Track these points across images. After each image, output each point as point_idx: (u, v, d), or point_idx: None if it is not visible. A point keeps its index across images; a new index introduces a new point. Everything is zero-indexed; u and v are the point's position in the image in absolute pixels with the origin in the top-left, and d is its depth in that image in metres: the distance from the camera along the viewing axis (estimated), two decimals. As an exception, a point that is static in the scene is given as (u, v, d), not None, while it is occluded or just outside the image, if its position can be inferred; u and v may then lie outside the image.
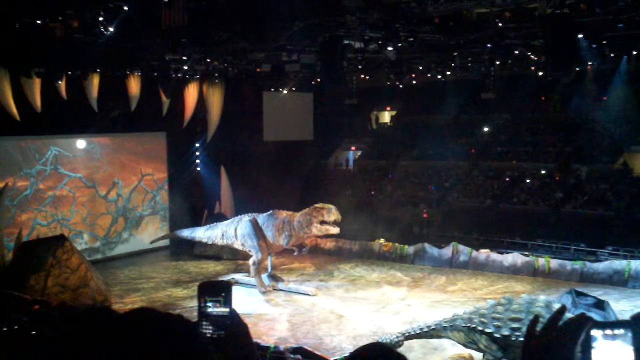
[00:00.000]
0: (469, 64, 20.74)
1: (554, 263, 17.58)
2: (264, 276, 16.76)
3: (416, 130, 27.64)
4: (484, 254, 18.71)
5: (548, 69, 17.20)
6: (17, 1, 12.48)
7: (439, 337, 10.89)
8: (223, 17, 13.27)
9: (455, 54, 18.56)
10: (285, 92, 24.85)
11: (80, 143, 20.38)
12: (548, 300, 10.04)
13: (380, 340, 11.16)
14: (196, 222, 21.91)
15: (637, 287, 16.22)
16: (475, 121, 27.45)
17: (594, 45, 16.50)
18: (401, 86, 25.15)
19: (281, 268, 18.82)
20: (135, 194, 22.11)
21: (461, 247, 19.05)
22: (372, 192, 26.48)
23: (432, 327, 10.73)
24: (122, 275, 18.60)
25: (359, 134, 30.97)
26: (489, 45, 16.84)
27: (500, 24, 14.09)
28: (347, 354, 9.63)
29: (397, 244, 20.10)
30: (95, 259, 19.64)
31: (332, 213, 15.13)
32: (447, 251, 19.19)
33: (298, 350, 10.07)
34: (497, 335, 9.55)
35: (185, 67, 19.53)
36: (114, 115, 20.70)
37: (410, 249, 19.82)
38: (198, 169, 24.18)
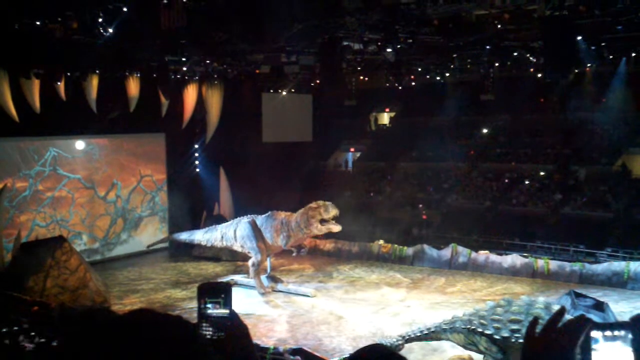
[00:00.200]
0: (468, 66, 20.78)
1: (553, 264, 17.58)
2: (263, 277, 16.76)
3: (415, 131, 27.63)
4: (483, 255, 18.71)
5: (547, 71, 17.20)
6: (17, 2, 12.48)
7: (439, 339, 10.88)
8: (222, 19, 13.28)
9: (455, 55, 18.58)
10: (284, 93, 24.86)
11: (79, 144, 20.37)
12: (547, 301, 10.04)
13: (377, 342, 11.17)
14: (195, 223, 21.91)
15: (637, 288, 16.22)
16: (474, 123, 27.47)
17: (592, 47, 16.54)
18: (400, 88, 25.17)
19: (280, 269, 18.81)
20: (134, 195, 22.10)
21: (460, 249, 19.05)
22: (371, 194, 26.48)
23: (432, 330, 10.73)
24: (121, 276, 18.58)
25: (358, 136, 30.96)
26: (488, 47, 16.87)
27: (499, 26, 14.11)
28: (346, 355, 9.65)
29: (396, 245, 20.10)
30: (94, 260, 19.63)
31: (330, 210, 15.10)
32: (446, 252, 19.20)
33: (297, 351, 10.07)
34: (496, 336, 9.55)
35: (185, 69, 19.55)
36: (113, 116, 20.67)
37: (409, 250, 19.81)
38: (197, 170, 24.18)
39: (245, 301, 15.60)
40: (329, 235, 20.15)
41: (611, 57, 19.04)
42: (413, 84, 24.41)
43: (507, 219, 22.33)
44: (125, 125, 20.96)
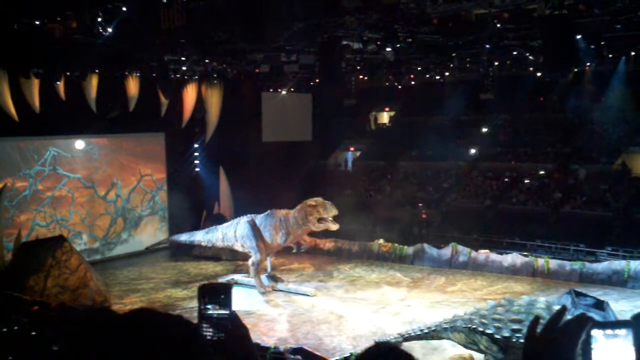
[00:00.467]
0: (468, 65, 20.79)
1: (553, 263, 17.58)
2: (264, 277, 16.76)
3: (415, 130, 27.64)
4: (483, 254, 18.72)
5: (546, 70, 17.22)
6: (16, 2, 12.47)
7: (439, 338, 10.89)
8: (222, 18, 13.27)
9: (454, 54, 18.58)
10: (284, 92, 24.85)
11: (79, 144, 20.36)
12: (549, 301, 10.05)
13: (377, 341, 11.17)
14: (195, 223, 21.91)
15: (637, 287, 16.23)
16: (474, 122, 27.47)
17: (592, 46, 16.54)
18: (400, 87, 25.23)
19: (281, 269, 18.81)
20: (134, 194, 22.10)
21: (460, 248, 19.06)
22: (371, 193, 26.48)
23: (432, 329, 10.74)
24: (122, 275, 18.59)
25: (357, 135, 30.98)
26: (487, 46, 16.87)
27: (498, 25, 14.11)
28: (347, 354, 9.65)
29: (396, 245, 20.10)
30: (94, 260, 19.64)
31: (329, 209, 15.11)
32: (447, 252, 19.20)
33: (298, 350, 10.08)
34: (497, 336, 9.55)
35: (184, 68, 19.55)
36: (112, 115, 20.67)
37: (409, 250, 19.81)
38: (197, 169, 24.17)
39: (246, 300, 15.60)
40: (329, 235, 20.16)
41: (611, 56, 19.06)
42: (413, 83, 24.43)
43: (507, 218, 22.35)
44: (125, 125, 20.94)
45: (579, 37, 14.51)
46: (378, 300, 15.58)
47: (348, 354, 9.79)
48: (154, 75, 19.12)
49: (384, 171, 27.57)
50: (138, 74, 19.99)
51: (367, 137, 30.90)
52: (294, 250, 17.10)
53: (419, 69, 21.57)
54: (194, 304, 15.14)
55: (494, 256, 18.53)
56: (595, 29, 14.28)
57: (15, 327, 8.23)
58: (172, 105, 21.73)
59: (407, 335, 10.96)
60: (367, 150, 29.85)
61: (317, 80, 22.94)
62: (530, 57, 18.34)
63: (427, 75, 23.36)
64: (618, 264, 16.86)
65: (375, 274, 18.44)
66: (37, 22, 13.19)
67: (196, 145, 24.03)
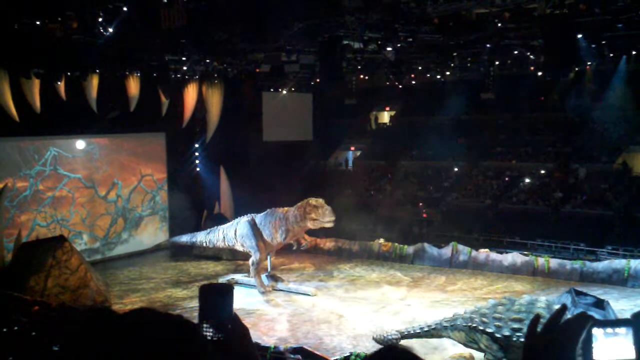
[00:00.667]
0: (469, 64, 20.78)
1: (554, 262, 17.57)
2: (264, 276, 16.77)
3: (416, 130, 27.64)
4: (483, 253, 18.71)
5: (547, 69, 17.20)
6: (17, 2, 12.48)
7: (440, 336, 10.90)
8: (222, 18, 13.28)
9: (455, 54, 18.58)
10: (284, 92, 24.85)
11: (80, 144, 20.37)
12: (549, 300, 10.06)
13: (375, 337, 11.18)
14: (196, 223, 21.92)
15: (637, 286, 16.22)
16: (474, 121, 27.46)
17: (593, 45, 16.53)
18: (400, 86, 25.20)
19: (281, 268, 18.81)
20: (134, 194, 22.10)
21: (461, 247, 19.05)
22: (372, 192, 26.49)
23: (433, 327, 10.75)
24: (122, 275, 18.59)
25: (358, 134, 30.98)
26: (488, 45, 16.87)
27: (499, 24, 14.10)
28: (347, 354, 9.65)
29: (396, 244, 20.10)
30: (94, 260, 19.64)
31: (326, 215, 15.20)
32: (447, 251, 19.19)
33: (298, 350, 10.08)
34: (498, 335, 9.56)
35: (185, 68, 19.55)
36: (113, 115, 20.67)
37: (409, 249, 19.81)
38: (197, 169, 24.18)
39: (246, 300, 15.60)
40: (330, 234, 20.19)
41: (611, 55, 19.05)
42: (413, 82, 24.41)
43: (508, 217, 22.35)
44: (125, 125, 20.94)
45: (579, 36, 14.51)
46: (378, 300, 15.59)
47: (348, 354, 9.79)
48: (154, 75, 19.12)
49: (384, 171, 27.57)
50: (139, 74, 19.99)
51: (367, 136, 30.90)
52: (294, 248, 17.10)
53: (419, 68, 21.56)
54: (194, 303, 15.20)
55: (495, 255, 18.53)
56: (596, 28, 14.29)
57: (16, 327, 8.24)
58: (173, 105, 21.73)
59: (405, 333, 10.96)
60: (368, 149, 29.85)
61: (317, 80, 22.94)
62: (531, 56, 18.34)
63: (428, 75, 23.34)
64: (618, 263, 16.86)
65: (376, 274, 18.44)
66: (38, 22, 13.19)
67: (197, 145, 24.03)
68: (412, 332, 10.94)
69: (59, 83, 18.00)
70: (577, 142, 24.34)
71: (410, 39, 15.22)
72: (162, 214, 23.07)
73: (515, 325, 9.38)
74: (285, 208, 16.29)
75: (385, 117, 32.53)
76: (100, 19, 13.08)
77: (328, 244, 20.97)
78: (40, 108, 18.13)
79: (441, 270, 18.62)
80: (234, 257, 19.78)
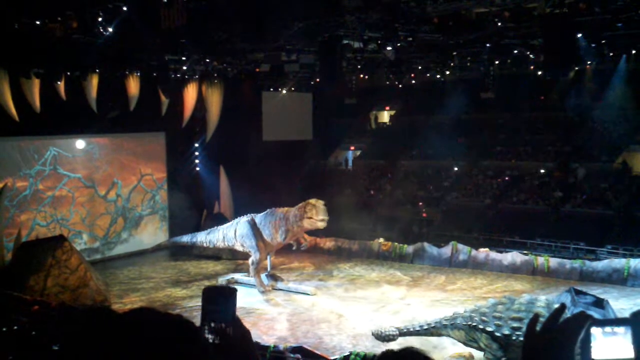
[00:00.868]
0: (468, 64, 20.78)
1: (553, 262, 17.58)
2: (263, 276, 16.77)
3: (415, 129, 27.65)
4: (483, 253, 18.71)
5: (547, 69, 17.19)
6: (17, 2, 12.47)
7: (439, 335, 10.89)
8: (222, 18, 13.27)
9: (455, 53, 18.57)
10: (284, 92, 24.85)
11: (80, 143, 20.36)
12: (549, 299, 10.06)
13: (373, 332, 11.18)
14: (195, 222, 21.92)
15: (637, 285, 16.23)
16: (474, 121, 27.46)
17: (593, 45, 16.52)
18: (400, 86, 25.21)
19: (280, 267, 18.82)
20: (134, 194, 22.10)
21: (460, 246, 19.06)
22: (372, 192, 26.48)
23: (432, 325, 10.75)
24: (122, 275, 18.59)
25: (358, 134, 30.97)
26: (488, 44, 16.86)
27: (499, 24, 14.09)
28: (346, 353, 9.65)
29: (396, 244, 20.10)
30: (94, 259, 19.64)
31: (320, 214, 15.29)
32: (447, 250, 19.20)
33: (298, 349, 10.08)
34: (498, 334, 9.57)
35: (185, 67, 19.54)
36: (113, 115, 20.67)
37: (409, 249, 19.81)
38: (197, 168, 24.18)
39: (246, 299, 15.60)
40: (329, 234, 20.19)
41: (611, 54, 19.04)
42: (413, 82, 24.41)
43: (508, 216, 22.35)
44: (125, 125, 20.95)
45: (579, 35, 14.51)
46: (378, 299, 15.59)
47: (348, 353, 9.79)
48: (154, 74, 19.11)
49: (384, 170, 27.57)
50: (138, 74, 19.98)
51: (367, 136, 30.90)
52: (294, 248, 17.10)
53: (419, 68, 21.56)
54: (194, 303, 15.20)
55: (494, 255, 18.53)
56: (596, 28, 14.29)
57: (16, 327, 8.24)
58: (173, 104, 21.72)
59: (404, 330, 10.94)
60: (368, 149, 29.85)
61: (317, 80, 22.94)
62: (531, 55, 18.32)
63: (428, 74, 23.34)
64: (618, 262, 16.86)
65: (375, 273, 18.44)
66: (38, 22, 13.19)
67: (196, 145, 24.03)
68: (411, 329, 10.93)
69: (59, 83, 18.00)
70: (577, 141, 24.35)
71: (410, 39, 15.21)
72: (162, 213, 23.07)
73: (515, 324, 9.38)
74: (285, 208, 16.30)
75: (385, 116, 32.53)
76: (100, 19, 13.07)
77: (328, 243, 20.97)
78: (40, 108, 18.13)
79: (441, 269, 18.62)
80: (233, 257, 19.78)
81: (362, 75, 23.64)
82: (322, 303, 15.35)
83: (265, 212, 16.81)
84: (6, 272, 15.42)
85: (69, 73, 18.17)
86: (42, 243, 15.60)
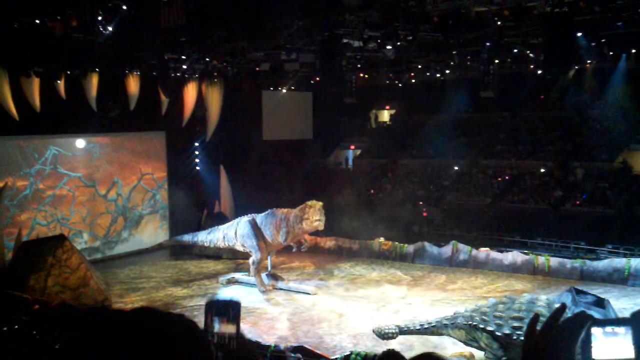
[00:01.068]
0: (468, 63, 20.75)
1: (554, 261, 17.57)
2: (264, 275, 16.77)
3: (415, 128, 27.64)
4: (483, 252, 18.71)
5: (547, 68, 17.18)
6: (16, 0, 12.46)
7: (440, 334, 10.89)
8: (222, 16, 13.26)
9: (455, 52, 18.56)
10: (284, 91, 24.83)
11: (80, 142, 20.36)
12: (549, 299, 10.06)
13: (373, 330, 11.18)
14: (196, 221, 21.91)
15: (637, 285, 16.23)
16: (474, 120, 27.45)
17: (593, 44, 16.50)
18: (400, 85, 25.18)
19: (281, 267, 18.82)
20: (135, 193, 22.09)
21: (461, 246, 19.05)
22: (372, 191, 26.48)
23: (433, 325, 10.75)
24: (122, 274, 18.59)
25: (358, 133, 30.96)
26: (488, 43, 16.83)
27: (499, 23, 14.08)
28: (347, 353, 9.65)
29: (396, 243, 20.10)
30: (95, 259, 19.64)
31: (316, 215, 15.39)
32: (447, 250, 19.19)
33: (298, 349, 10.07)
34: (498, 333, 9.56)
35: (185, 67, 19.52)
36: (113, 114, 20.65)
37: (410, 248, 19.81)
38: (197, 168, 24.17)
39: (246, 299, 15.59)
40: (330, 233, 20.19)
41: (611, 53, 19.02)
42: (413, 81, 24.39)
43: (508, 215, 22.34)
44: (125, 124, 20.94)
45: (579, 34, 14.50)
46: (379, 299, 15.59)
47: (349, 352, 9.79)
48: (154, 73, 19.10)
49: (384, 169, 27.56)
50: (138, 73, 19.97)
51: (367, 135, 30.89)
52: (294, 250, 17.10)
53: (419, 67, 21.54)
54: (194, 302, 15.22)
55: (495, 254, 18.53)
56: (596, 26, 14.28)
57: (16, 326, 8.24)
58: (173, 103, 21.70)
59: (405, 329, 10.94)
60: (368, 148, 29.84)
61: (317, 79, 22.92)
62: (531, 54, 18.31)
63: (428, 73, 23.31)
64: (619, 262, 16.86)
65: (376, 272, 18.44)
66: (38, 21, 13.17)
67: (197, 144, 24.01)
68: (411, 328, 10.92)
69: (59, 82, 17.99)
70: (577, 140, 24.34)
71: (410, 38, 15.20)
72: (163, 212, 23.08)
73: (516, 324, 9.38)
74: (286, 209, 16.31)
75: (385, 115, 32.52)
76: (99, 18, 13.05)
77: (328, 242, 20.97)
78: (40, 107, 18.11)
79: (441, 269, 18.62)
80: (234, 256, 19.77)
81: (362, 74, 23.62)
82: (323, 302, 15.35)
83: (266, 212, 16.80)
84: (7, 272, 15.42)
85: (68, 72, 18.16)
86: (43, 242, 15.59)
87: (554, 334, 1.42)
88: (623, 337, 1.44)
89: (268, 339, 11.95)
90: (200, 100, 22.58)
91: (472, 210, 22.99)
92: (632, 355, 1.42)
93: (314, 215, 15.35)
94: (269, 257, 17.09)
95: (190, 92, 22.12)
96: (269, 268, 17.17)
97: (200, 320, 1.66)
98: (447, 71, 22.60)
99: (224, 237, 17.66)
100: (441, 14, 13.69)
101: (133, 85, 20.12)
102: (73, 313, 10.32)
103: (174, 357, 1.27)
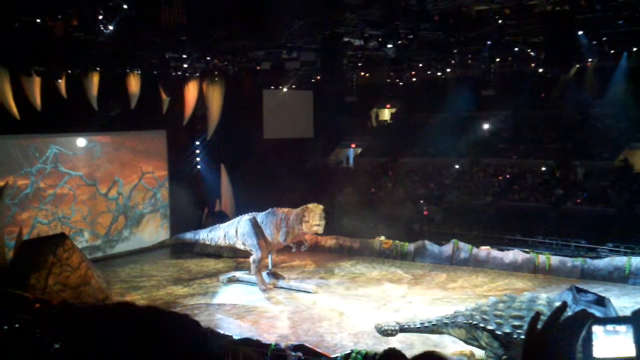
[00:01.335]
0: (469, 61, 20.73)
1: (555, 260, 17.57)
2: (265, 274, 16.78)
3: (416, 127, 27.62)
4: (484, 251, 18.71)
5: (548, 66, 17.17)
6: (17, 0, 12.47)
7: (440, 333, 10.90)
8: (223, 15, 13.26)
9: (455, 51, 18.55)
10: (285, 89, 24.82)
11: (81, 141, 20.37)
12: (550, 297, 10.05)
13: (375, 326, 11.19)
14: (197, 220, 21.92)
15: (638, 283, 16.22)
16: (475, 118, 27.43)
17: (594, 42, 16.49)
18: (401, 83, 25.16)
19: (282, 266, 18.83)
20: (135, 192, 22.10)
21: (462, 244, 19.05)
22: (373, 190, 26.46)
23: (433, 323, 10.75)
24: (123, 273, 18.61)
25: (359, 132, 30.93)
26: (489, 42, 16.82)
27: (500, 21, 14.08)
28: (348, 351, 9.66)
29: (397, 242, 20.10)
30: (96, 257, 19.66)
31: (316, 219, 15.45)
32: (448, 248, 19.19)
33: (299, 347, 10.08)
34: (498, 332, 9.56)
35: (185, 65, 19.53)
36: (114, 113, 20.66)
37: (410, 247, 19.81)
38: (198, 166, 24.18)
39: (247, 298, 15.63)
40: (331, 232, 20.18)
41: (612, 51, 19.00)
42: (414, 79, 24.38)
43: (509, 214, 22.31)
44: (126, 123, 20.95)
45: (580, 32, 14.49)
46: (379, 297, 15.60)
47: (349, 351, 9.80)
48: (155, 72, 19.10)
49: (385, 168, 27.55)
50: (139, 72, 19.97)
51: (368, 133, 30.86)
52: (294, 250, 17.10)
53: (420, 65, 21.53)
54: (195, 301, 15.24)
55: (495, 253, 18.53)
56: (597, 25, 14.27)
57: (17, 325, 8.25)
58: (174, 102, 21.71)
59: (405, 326, 10.95)
60: (369, 147, 29.83)
61: (318, 77, 22.91)
62: (532, 53, 18.30)
63: (429, 72, 23.30)
64: (619, 260, 16.86)
65: (377, 271, 18.45)
66: (38, 20, 13.18)
67: (197, 143, 24.03)
68: (412, 326, 10.93)
69: (60, 81, 18.00)
70: (578, 139, 24.31)
71: (411, 36, 15.19)
72: (163, 211, 23.09)
73: (516, 323, 9.38)
74: (287, 209, 16.33)
75: (386, 114, 32.49)
76: (100, 17, 13.06)
77: (329, 241, 20.97)
78: (41, 106, 18.12)
79: (442, 267, 18.62)
80: (235, 255, 19.79)
81: (363, 73, 23.61)
82: (324, 301, 15.36)
83: (267, 211, 16.82)
84: (7, 271, 15.44)
85: (69, 71, 18.16)
86: (44, 241, 15.61)
87: (554, 332, 1.42)
88: (624, 336, 1.43)
89: (269, 338, 11.96)
90: (201, 99, 22.60)
91: (472, 209, 22.97)
92: (633, 354, 1.42)
93: (314, 219, 15.41)
94: (269, 256, 17.10)
95: (191, 91, 22.13)
96: (270, 267, 17.18)
97: (201, 319, 1.65)
98: (448, 70, 22.58)
99: (224, 236, 17.68)
100: (442, 13, 13.70)
101: (134, 84, 20.12)
102: (74, 312, 10.33)
103: (175, 357, 1.27)
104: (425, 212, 23.60)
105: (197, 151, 24.13)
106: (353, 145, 30.81)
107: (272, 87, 24.78)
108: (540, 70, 20.77)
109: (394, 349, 1.65)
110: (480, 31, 15.11)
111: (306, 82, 24.70)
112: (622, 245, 18.43)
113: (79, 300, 13.93)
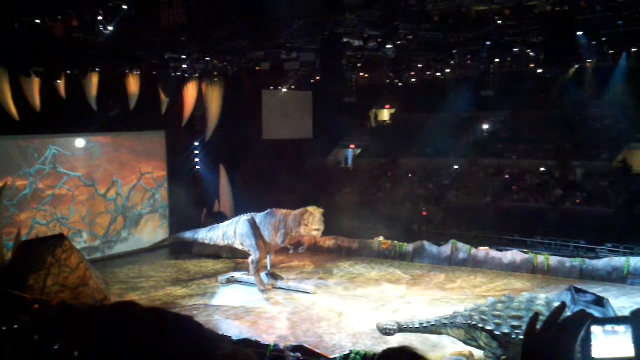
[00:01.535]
0: (469, 62, 20.73)
1: (554, 260, 17.58)
2: (263, 275, 16.78)
3: (416, 128, 27.62)
4: (483, 251, 18.72)
5: (547, 67, 17.16)
6: (17, 0, 12.46)
7: (439, 333, 10.90)
8: (222, 16, 13.26)
9: (455, 51, 18.54)
10: (284, 90, 24.83)
11: (80, 142, 20.36)
12: (548, 298, 10.05)
13: (377, 325, 11.20)
14: (196, 220, 21.91)
15: (637, 284, 16.23)
16: (474, 119, 27.44)
17: (593, 43, 16.49)
18: (401, 84, 25.18)
19: (281, 266, 18.82)
20: (134, 192, 22.09)
21: (460, 245, 19.06)
22: (372, 190, 26.46)
23: (432, 323, 10.75)
24: (122, 274, 18.60)
25: (358, 132, 30.93)
26: (488, 42, 16.83)
27: (499, 22, 14.08)
28: (346, 352, 9.66)
29: (396, 242, 20.10)
30: (94, 258, 19.64)
31: (315, 223, 15.48)
32: (447, 249, 19.20)
33: (298, 348, 10.09)
34: (497, 332, 9.57)
35: (185, 66, 19.52)
36: (113, 114, 20.66)
37: (409, 247, 19.81)
38: (197, 167, 24.17)
39: (246, 298, 15.62)
40: (330, 232, 20.17)
41: (612, 52, 19.01)
42: (413, 80, 24.38)
43: (507, 214, 22.32)
44: (125, 123, 20.94)
45: (580, 33, 14.49)
46: (378, 298, 15.60)
47: (348, 352, 9.80)
48: (154, 73, 19.09)
49: (384, 168, 27.55)
50: (138, 72, 19.97)
51: (367, 134, 30.86)
52: (291, 252, 17.05)
53: (419, 66, 21.53)
54: (194, 302, 15.24)
55: (494, 253, 18.54)
56: (597, 25, 14.27)
57: (16, 326, 8.24)
58: (173, 103, 21.71)
59: (404, 326, 10.95)
60: (368, 147, 29.82)
61: (317, 78, 22.91)
62: (531, 53, 18.30)
63: (428, 73, 23.30)
64: (618, 261, 16.87)
65: (375, 272, 18.44)
66: (38, 21, 13.16)
67: (197, 143, 24.01)
68: (411, 326, 10.93)
69: (59, 81, 18.00)
70: (577, 139, 24.32)
71: (411, 37, 15.20)
72: (162, 212, 23.07)
73: (515, 323, 9.38)
74: (286, 210, 16.33)
75: (385, 114, 32.50)
76: (100, 18, 13.05)
77: (328, 242, 20.97)
78: (40, 106, 18.12)
79: (441, 268, 18.63)
80: (233, 255, 19.78)
81: (362, 74, 23.60)
82: (322, 302, 15.36)
83: (266, 212, 16.82)
84: (6, 271, 15.43)
85: (69, 72, 18.16)
86: (42, 242, 15.59)
87: (553, 332, 1.42)
88: (623, 336, 1.44)
89: (267, 339, 11.96)
90: (201, 99, 22.60)
91: (472, 209, 22.97)
92: (632, 354, 1.42)
93: (313, 223, 15.41)
94: (268, 257, 17.10)
95: (190, 92, 22.13)
96: (269, 267, 17.18)
97: (200, 320, 1.65)
98: (448, 70, 22.59)
99: (223, 236, 17.68)
100: (441, 13, 13.69)
101: (133, 84, 20.12)
102: (72, 313, 10.33)
103: (176, 358, 1.27)
104: (424, 213, 23.61)
105: (196, 152, 24.12)
106: (352, 146, 30.80)
107: (272, 88, 24.79)
108: (540, 70, 20.77)
109: (393, 348, 1.64)
110: (479, 32, 15.12)
111: (305, 82, 24.70)
112: (620, 246, 18.45)
113: (78, 301, 13.92)
